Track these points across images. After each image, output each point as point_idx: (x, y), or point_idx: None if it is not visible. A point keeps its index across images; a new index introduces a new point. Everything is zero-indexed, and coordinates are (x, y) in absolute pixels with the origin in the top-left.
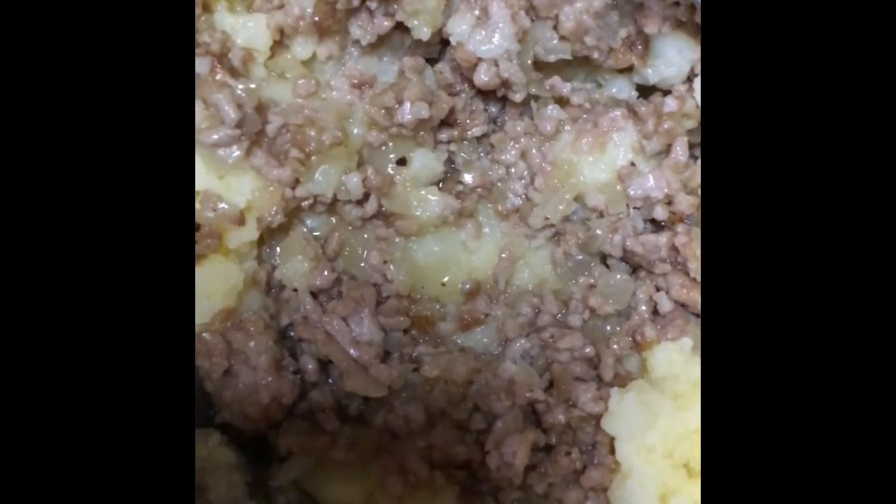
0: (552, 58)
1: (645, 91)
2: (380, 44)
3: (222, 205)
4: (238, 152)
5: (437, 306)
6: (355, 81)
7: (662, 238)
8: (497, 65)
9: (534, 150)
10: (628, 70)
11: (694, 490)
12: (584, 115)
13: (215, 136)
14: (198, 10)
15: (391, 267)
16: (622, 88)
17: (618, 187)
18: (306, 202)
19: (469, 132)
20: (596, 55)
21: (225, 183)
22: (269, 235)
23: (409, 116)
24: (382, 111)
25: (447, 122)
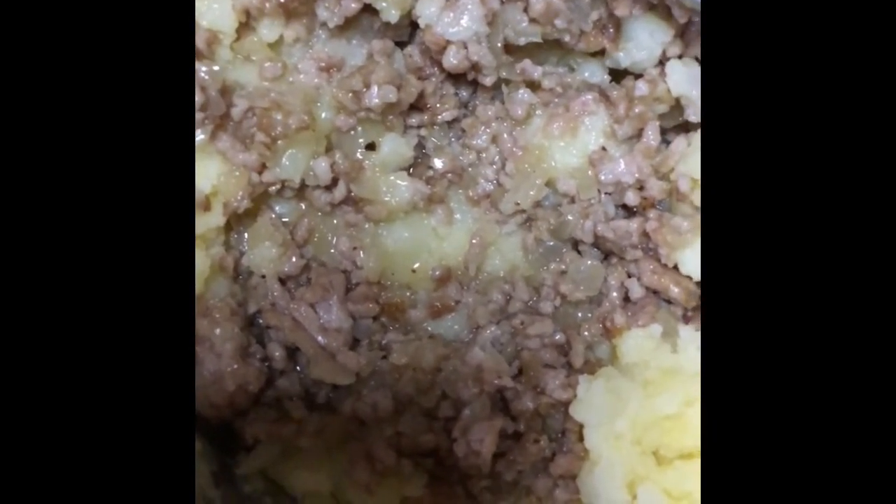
0: (523, 41)
1: (617, 75)
2: (348, 26)
3: None
4: (202, 136)
5: (408, 293)
6: (323, 64)
7: (634, 224)
8: (466, 48)
9: (505, 135)
10: (600, 53)
11: (662, 477)
12: (556, 100)
13: None
14: None
15: (361, 253)
16: (594, 72)
17: (589, 172)
18: (274, 187)
19: (439, 116)
20: (567, 38)
21: None
22: (237, 221)
23: (377, 100)
24: (350, 95)
25: (417, 106)
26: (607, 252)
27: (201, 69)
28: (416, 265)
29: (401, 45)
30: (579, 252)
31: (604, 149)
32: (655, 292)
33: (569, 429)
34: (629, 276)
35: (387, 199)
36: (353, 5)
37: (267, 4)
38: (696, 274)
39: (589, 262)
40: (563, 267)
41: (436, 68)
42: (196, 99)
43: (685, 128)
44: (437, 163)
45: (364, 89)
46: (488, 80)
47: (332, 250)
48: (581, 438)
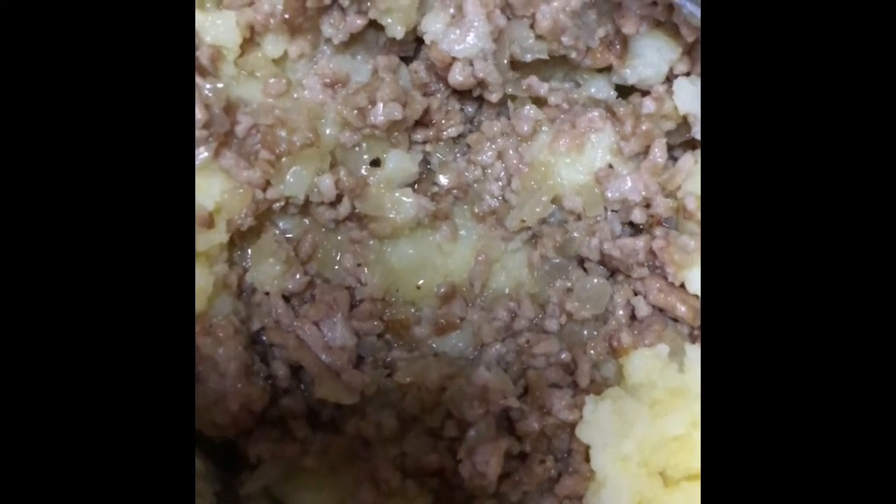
0: (529, 57)
1: (624, 91)
2: (353, 42)
3: None
4: (206, 153)
5: (412, 310)
6: (328, 81)
7: (640, 242)
8: (472, 64)
9: (511, 151)
10: (607, 70)
11: (669, 499)
12: (562, 116)
13: None
14: None
15: (365, 270)
16: (601, 88)
17: (595, 189)
18: (278, 204)
19: (445, 132)
20: (574, 55)
21: None
22: (240, 238)
23: (383, 118)
24: (355, 112)
25: (422, 122)
26: (613, 270)
27: (205, 86)
28: (421, 282)
29: (406, 60)
30: (585, 270)
31: (610, 166)
32: (662, 311)
33: (575, 449)
34: (635, 294)
35: (391, 215)
36: (358, 21)
37: (271, 20)
38: None
39: (595, 280)
40: (569, 285)
41: (441, 84)
42: (199, 116)
43: (692, 145)
44: (443, 179)
45: (369, 106)
46: (494, 97)
47: (337, 267)
48: (587, 459)
